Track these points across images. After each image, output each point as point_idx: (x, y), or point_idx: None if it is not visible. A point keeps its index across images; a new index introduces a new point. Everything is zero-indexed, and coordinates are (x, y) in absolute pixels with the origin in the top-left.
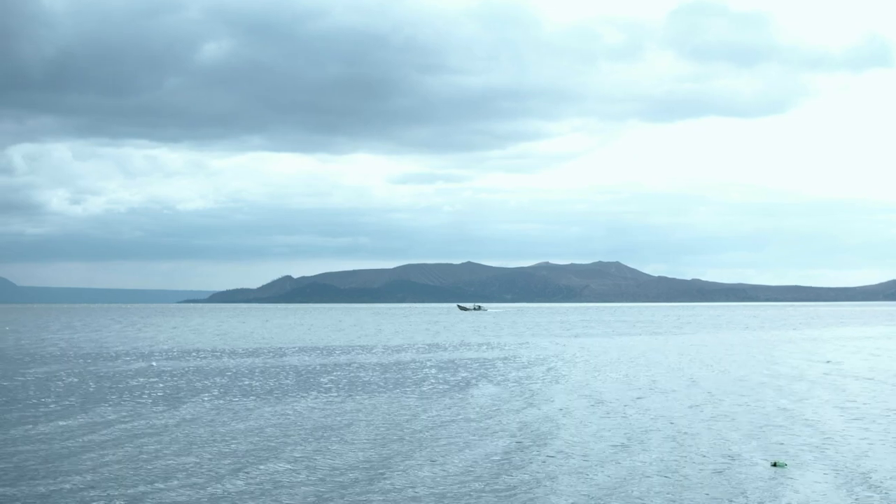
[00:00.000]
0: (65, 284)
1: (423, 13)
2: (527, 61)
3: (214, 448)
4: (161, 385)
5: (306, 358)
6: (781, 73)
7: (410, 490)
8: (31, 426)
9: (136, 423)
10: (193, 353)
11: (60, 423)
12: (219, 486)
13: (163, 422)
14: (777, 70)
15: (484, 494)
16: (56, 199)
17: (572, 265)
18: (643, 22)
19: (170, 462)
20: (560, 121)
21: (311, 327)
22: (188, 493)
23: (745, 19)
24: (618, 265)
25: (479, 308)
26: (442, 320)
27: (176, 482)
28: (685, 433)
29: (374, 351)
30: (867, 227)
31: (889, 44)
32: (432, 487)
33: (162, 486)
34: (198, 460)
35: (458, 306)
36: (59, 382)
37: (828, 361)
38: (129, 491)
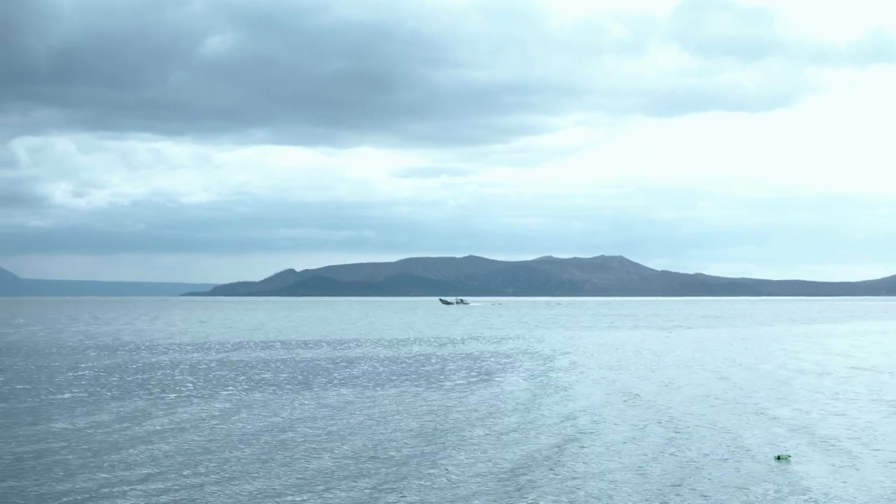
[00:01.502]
0: (67, 277)
1: (428, 7)
2: (532, 55)
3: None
4: (232, 377)
5: (355, 350)
6: (786, 68)
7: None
8: (140, 418)
9: (218, 415)
10: (242, 346)
11: (147, 418)
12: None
13: (240, 415)
14: (782, 65)
15: (540, 489)
16: (59, 192)
17: (575, 259)
18: (648, 16)
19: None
20: (564, 115)
21: (332, 320)
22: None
23: (749, 14)
24: (620, 259)
25: (462, 302)
26: (417, 315)
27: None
28: (692, 426)
29: (382, 344)
30: (870, 222)
31: (894, 39)
32: (485, 483)
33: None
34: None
35: (441, 300)
36: (125, 374)
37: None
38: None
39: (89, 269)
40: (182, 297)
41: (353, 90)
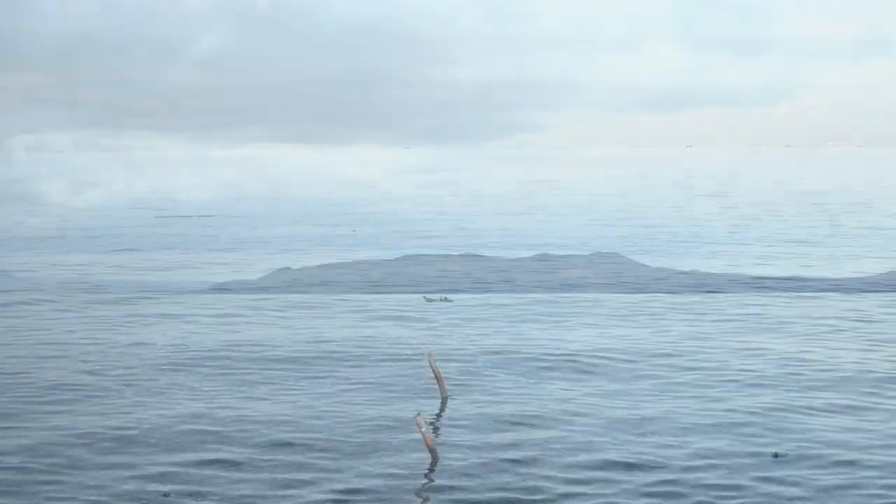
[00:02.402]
0: (65, 276)
1: (426, 4)
2: (529, 52)
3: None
4: (270, 375)
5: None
6: (783, 63)
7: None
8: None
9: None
10: (266, 345)
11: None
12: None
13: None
14: (779, 60)
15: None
16: (56, 190)
17: (571, 256)
18: (645, 13)
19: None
20: (561, 112)
21: (343, 319)
22: None
23: (746, 10)
24: (617, 256)
25: (446, 300)
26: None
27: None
28: (690, 420)
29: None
30: (870, 219)
31: (890, 34)
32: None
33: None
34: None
35: (424, 297)
36: (158, 372)
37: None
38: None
39: (88, 268)
40: (183, 296)
41: (349, 88)
